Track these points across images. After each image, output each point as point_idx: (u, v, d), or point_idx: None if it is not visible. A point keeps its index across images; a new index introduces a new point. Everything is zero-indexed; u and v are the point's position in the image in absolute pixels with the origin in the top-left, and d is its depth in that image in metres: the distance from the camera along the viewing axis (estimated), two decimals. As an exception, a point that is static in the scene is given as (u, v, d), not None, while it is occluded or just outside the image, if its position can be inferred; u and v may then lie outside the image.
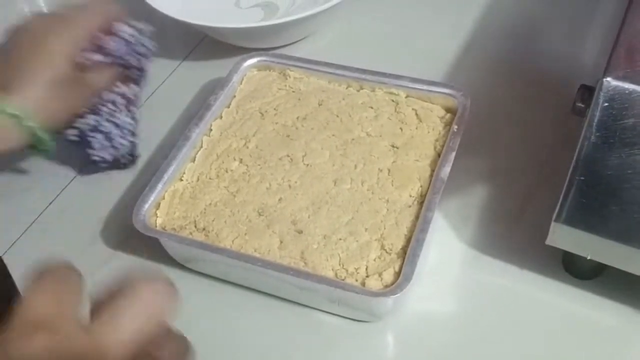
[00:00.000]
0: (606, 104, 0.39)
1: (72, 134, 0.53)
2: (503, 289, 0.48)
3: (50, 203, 0.56)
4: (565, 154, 0.43)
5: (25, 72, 0.47)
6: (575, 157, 0.41)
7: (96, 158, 0.55)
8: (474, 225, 0.51)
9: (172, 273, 0.50)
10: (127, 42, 0.52)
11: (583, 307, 0.46)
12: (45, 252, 0.53)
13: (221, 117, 0.56)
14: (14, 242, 0.54)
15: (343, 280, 0.45)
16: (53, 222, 0.55)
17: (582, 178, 0.41)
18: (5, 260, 0.52)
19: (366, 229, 0.47)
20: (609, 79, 0.39)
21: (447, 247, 0.50)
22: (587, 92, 0.41)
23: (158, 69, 0.64)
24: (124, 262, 0.51)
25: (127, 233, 0.52)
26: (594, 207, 0.41)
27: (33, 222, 0.55)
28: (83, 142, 0.54)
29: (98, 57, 0.51)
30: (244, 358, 0.46)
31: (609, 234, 0.41)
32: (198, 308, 0.48)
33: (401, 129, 0.53)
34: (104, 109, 0.53)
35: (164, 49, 0.69)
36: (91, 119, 0.53)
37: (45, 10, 0.77)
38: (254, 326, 0.47)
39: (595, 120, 0.40)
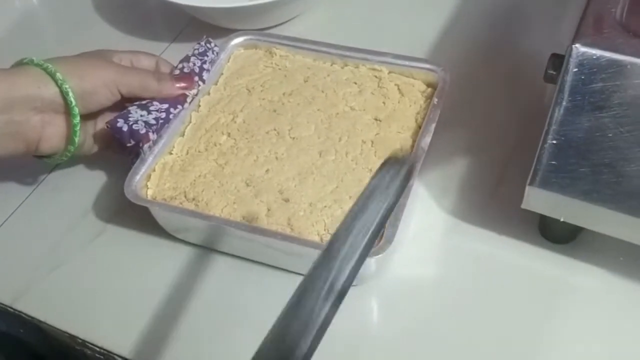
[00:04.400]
0: (575, 70, 0.41)
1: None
2: (482, 254, 0.49)
3: (44, 179, 0.57)
4: (540, 124, 0.44)
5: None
6: (547, 122, 0.42)
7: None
8: (454, 194, 0.53)
9: (162, 244, 0.52)
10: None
11: (559, 270, 0.48)
12: (40, 225, 0.54)
13: (209, 94, 0.57)
14: (9, 216, 0.55)
15: (328, 244, 0.46)
16: (46, 197, 0.56)
17: (554, 142, 0.42)
18: (0, 235, 0.54)
19: (350, 197, 0.49)
20: (577, 45, 0.40)
21: (428, 216, 0.52)
22: (558, 60, 0.43)
23: (147, 51, 0.65)
24: (116, 234, 0.53)
25: (118, 207, 0.54)
26: (566, 169, 0.42)
27: (27, 196, 0.56)
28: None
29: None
30: (232, 323, 0.47)
31: (580, 195, 0.42)
32: (187, 277, 0.50)
33: (384, 103, 0.55)
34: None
35: (152, 32, 0.70)
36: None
37: (37, 6, 0.78)
38: (241, 292, 0.49)
39: (566, 85, 0.41)
